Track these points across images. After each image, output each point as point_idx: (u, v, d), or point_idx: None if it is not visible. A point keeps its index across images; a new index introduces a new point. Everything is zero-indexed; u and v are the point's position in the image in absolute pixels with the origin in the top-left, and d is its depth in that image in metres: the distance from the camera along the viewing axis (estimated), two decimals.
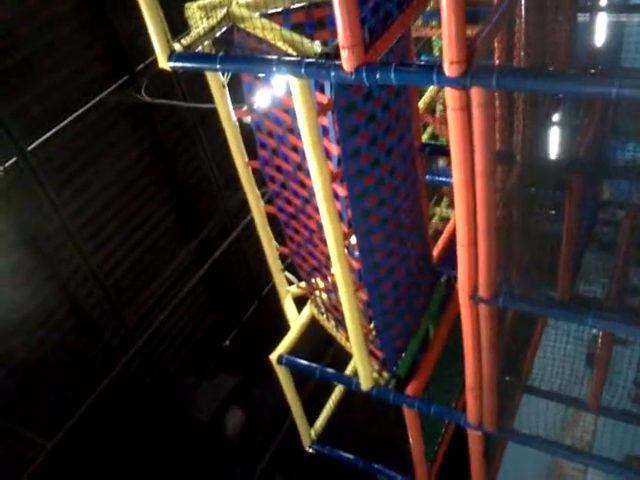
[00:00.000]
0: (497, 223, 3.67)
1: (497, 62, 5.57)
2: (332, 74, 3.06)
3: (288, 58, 3.22)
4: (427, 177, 5.42)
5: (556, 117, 7.38)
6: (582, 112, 6.55)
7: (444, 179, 6.28)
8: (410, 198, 4.61)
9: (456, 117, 3.03)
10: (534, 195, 5.78)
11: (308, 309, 5.61)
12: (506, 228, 4.88)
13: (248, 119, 4.48)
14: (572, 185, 5.46)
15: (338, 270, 4.08)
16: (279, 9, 3.94)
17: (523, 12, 4.21)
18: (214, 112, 4.50)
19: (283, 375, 5.61)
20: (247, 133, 4.64)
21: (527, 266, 5.87)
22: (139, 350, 9.11)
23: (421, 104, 6.18)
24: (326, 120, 3.70)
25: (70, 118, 7.56)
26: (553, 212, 7.00)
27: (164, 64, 3.53)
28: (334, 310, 5.11)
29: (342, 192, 3.84)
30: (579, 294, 8.08)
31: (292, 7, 3.98)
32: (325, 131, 3.75)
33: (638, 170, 8.67)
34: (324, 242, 4.11)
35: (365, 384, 4.93)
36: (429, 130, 7.51)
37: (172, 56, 3.52)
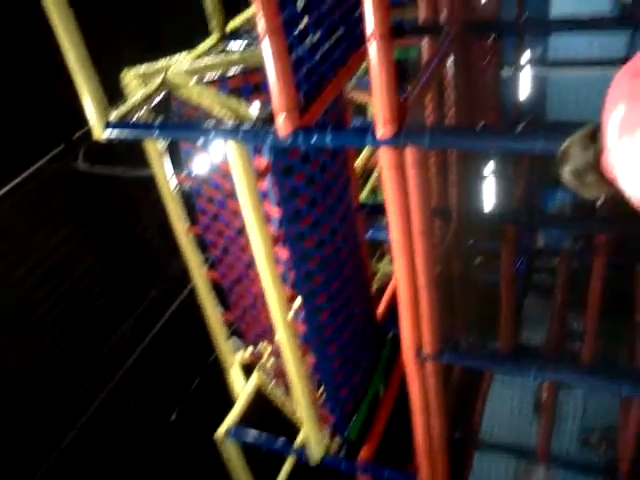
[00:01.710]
0: (438, 278, 3.72)
1: (429, 119, 5.79)
2: (269, 139, 3.10)
3: (225, 124, 3.25)
4: (369, 234, 5.49)
5: (489, 170, 7.69)
6: (512, 164, 6.85)
7: (386, 236, 6.36)
8: (352, 257, 4.65)
9: (391, 177, 3.10)
10: (472, 247, 5.93)
11: (255, 377, 5.46)
12: (447, 282, 4.96)
13: (188, 185, 4.46)
14: (506, 235, 5.64)
15: (283, 334, 4.02)
16: (216, 76, 4.00)
17: (451, 70, 4.38)
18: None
19: (230, 451, 5.34)
20: (187, 198, 4.61)
21: (470, 318, 5.95)
22: (80, 432, 8.65)
23: (359, 162, 6.30)
24: (265, 184, 3.72)
25: None
26: (482, 260, 7.13)
27: (100, 135, 3.50)
28: (282, 376, 5.01)
29: (284, 255, 3.83)
30: (522, 343, 8.23)
31: (229, 73, 4.05)
32: (265, 194, 3.77)
33: (567, 217, 9.07)
34: (268, 306, 4.06)
35: (316, 452, 4.77)
36: (370, 183, 7.61)
37: (108, 126, 3.50)
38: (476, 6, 4.41)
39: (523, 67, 6.72)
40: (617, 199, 1.81)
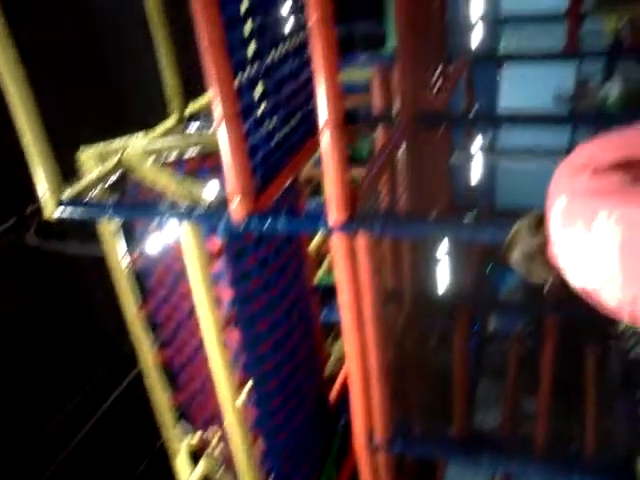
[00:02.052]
0: (390, 363, 3.70)
1: (383, 203, 5.90)
2: (222, 222, 3.11)
3: (179, 206, 3.25)
4: (323, 315, 5.45)
5: (442, 252, 7.83)
6: (465, 247, 6.99)
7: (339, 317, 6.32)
8: (305, 340, 4.60)
9: (342, 262, 3.13)
10: (425, 330, 5.94)
11: (203, 465, 5.22)
12: (400, 365, 4.92)
13: (140, 264, 4.40)
14: (459, 318, 5.70)
15: (232, 419, 3.90)
16: (173, 157, 4.03)
17: (403, 158, 4.52)
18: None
19: None
20: (139, 277, 4.53)
21: (423, 402, 5.89)
22: None
23: (314, 243, 6.34)
24: (218, 266, 3.70)
25: None
26: (435, 343, 7.16)
27: (51, 213, 3.45)
28: (231, 464, 4.81)
29: (235, 338, 3.77)
30: (476, 426, 8.15)
31: (186, 155, 4.09)
32: (217, 276, 3.73)
33: (518, 302, 9.23)
34: (218, 390, 3.95)
35: None
36: (325, 264, 7.61)
37: (60, 204, 3.47)
38: (427, 96, 4.62)
39: (473, 155, 7.01)
40: (563, 284, 1.85)
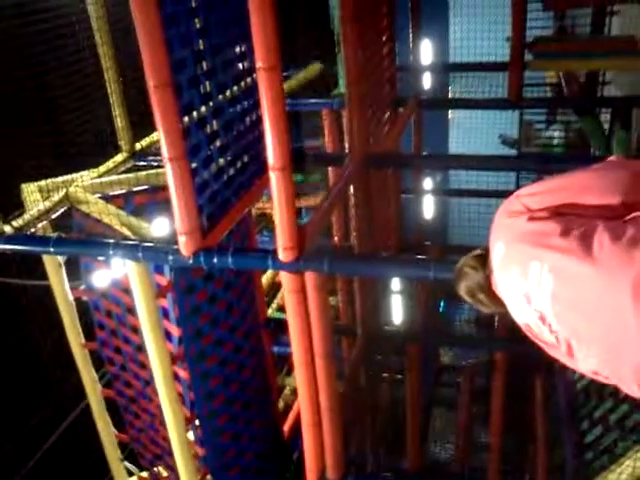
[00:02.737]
0: (343, 397, 3.70)
1: (337, 236, 5.95)
2: (170, 258, 3.09)
3: (125, 242, 3.22)
4: (276, 349, 5.42)
5: (395, 286, 7.91)
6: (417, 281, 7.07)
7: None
8: (257, 374, 4.56)
9: (292, 299, 3.14)
10: (378, 364, 5.96)
11: None
12: (354, 398, 4.92)
13: (87, 297, 4.31)
14: (410, 353, 5.73)
15: (180, 457, 3.82)
16: (121, 191, 4.00)
17: (353, 196, 4.58)
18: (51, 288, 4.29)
19: None
20: (85, 311, 4.44)
21: (377, 435, 5.89)
22: None
23: (266, 278, 6.33)
24: (166, 301, 3.66)
25: None
26: (400, 376, 7.22)
27: None
28: None
29: (183, 374, 3.72)
30: (431, 459, 8.17)
31: (134, 189, 4.06)
32: (165, 312, 3.70)
33: (470, 335, 9.37)
34: (166, 427, 3.88)
35: None
36: (278, 298, 7.60)
37: (1, 238, 3.39)
38: (377, 138, 4.70)
39: (423, 194, 7.16)
40: (508, 317, 1.90)
